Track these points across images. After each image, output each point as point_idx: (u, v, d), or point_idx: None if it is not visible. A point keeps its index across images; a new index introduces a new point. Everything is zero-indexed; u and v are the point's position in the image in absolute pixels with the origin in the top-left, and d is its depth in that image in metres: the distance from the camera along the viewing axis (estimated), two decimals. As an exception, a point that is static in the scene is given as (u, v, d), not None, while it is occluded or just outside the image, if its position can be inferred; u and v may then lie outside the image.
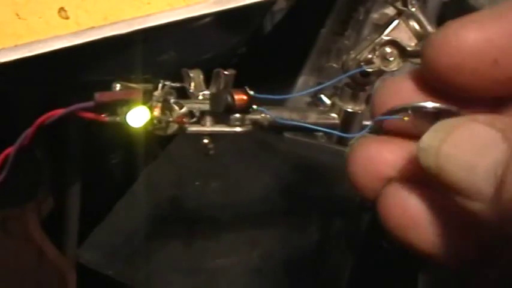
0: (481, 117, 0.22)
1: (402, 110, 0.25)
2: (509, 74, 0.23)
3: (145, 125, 0.31)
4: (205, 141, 0.36)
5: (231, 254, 0.54)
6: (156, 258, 0.54)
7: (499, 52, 0.23)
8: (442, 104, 0.24)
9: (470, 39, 0.23)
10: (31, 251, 0.72)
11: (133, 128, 0.31)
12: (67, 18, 0.47)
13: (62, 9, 0.48)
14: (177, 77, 0.37)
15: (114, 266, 0.53)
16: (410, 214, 0.25)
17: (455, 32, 0.23)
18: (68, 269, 0.74)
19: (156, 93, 0.31)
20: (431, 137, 0.23)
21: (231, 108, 0.34)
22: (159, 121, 0.32)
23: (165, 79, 0.34)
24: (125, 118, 0.31)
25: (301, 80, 0.66)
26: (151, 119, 0.31)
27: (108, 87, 0.33)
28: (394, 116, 0.25)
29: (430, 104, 0.24)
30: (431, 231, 0.24)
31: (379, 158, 0.26)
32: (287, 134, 0.60)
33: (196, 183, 0.59)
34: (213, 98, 0.35)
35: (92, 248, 0.55)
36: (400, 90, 0.26)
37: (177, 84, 0.33)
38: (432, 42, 0.24)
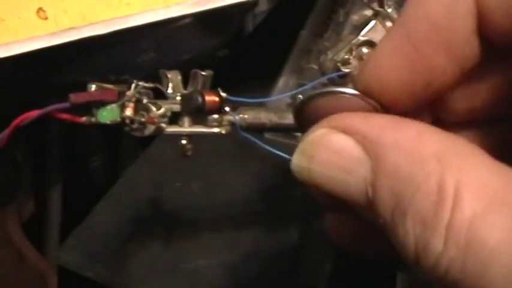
0: (340, 122, 0.23)
1: (322, 94, 0.25)
2: (445, 80, 0.23)
3: (120, 124, 0.31)
4: (184, 142, 0.36)
5: (211, 255, 0.53)
6: (136, 259, 0.53)
7: (428, 75, 0.23)
8: (360, 94, 0.24)
9: (399, 76, 0.23)
10: (11, 253, 0.71)
11: (106, 127, 0.31)
12: (45, 18, 0.47)
13: (40, 9, 0.47)
14: (157, 78, 0.37)
15: (93, 267, 0.53)
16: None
17: (382, 72, 0.23)
18: (49, 272, 0.73)
19: (129, 93, 0.31)
20: (300, 158, 0.24)
21: (202, 110, 0.34)
22: (132, 121, 0.31)
23: (144, 80, 0.34)
24: (96, 118, 0.31)
25: (281, 81, 0.66)
26: (123, 119, 0.31)
27: (86, 88, 0.33)
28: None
29: (350, 91, 0.24)
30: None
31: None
32: (267, 135, 0.60)
33: (177, 184, 0.59)
34: (184, 99, 0.35)
35: (71, 250, 0.55)
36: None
37: (150, 85, 0.33)
38: (362, 77, 0.24)
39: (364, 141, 0.22)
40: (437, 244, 0.19)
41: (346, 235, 0.28)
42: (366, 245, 0.27)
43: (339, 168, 0.22)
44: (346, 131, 0.22)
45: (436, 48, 0.23)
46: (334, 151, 0.23)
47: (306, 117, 0.26)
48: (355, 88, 0.24)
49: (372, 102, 0.24)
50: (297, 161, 0.24)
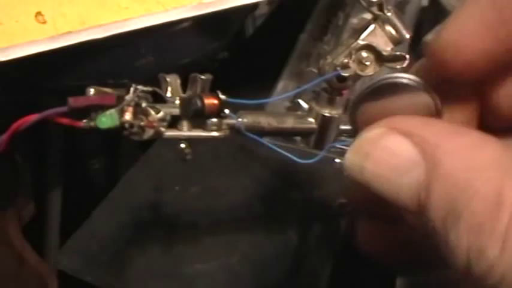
0: (400, 124, 0.23)
1: (386, 81, 0.24)
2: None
3: (118, 129, 0.31)
4: (182, 146, 0.36)
5: (210, 259, 0.53)
6: (135, 263, 0.53)
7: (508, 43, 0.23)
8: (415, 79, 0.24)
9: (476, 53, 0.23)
10: (11, 257, 0.71)
11: (105, 130, 0.31)
12: (44, 22, 0.47)
13: (39, 13, 0.47)
14: (156, 81, 0.37)
15: (93, 271, 0.53)
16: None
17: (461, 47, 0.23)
18: (49, 275, 0.73)
19: (127, 97, 0.31)
20: (354, 155, 0.24)
21: (201, 113, 0.34)
22: (131, 125, 0.31)
23: (143, 84, 0.34)
24: (95, 123, 0.31)
25: (280, 85, 0.67)
26: (122, 123, 0.31)
27: (85, 91, 0.33)
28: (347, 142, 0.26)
29: (414, 78, 0.24)
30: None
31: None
32: (266, 139, 0.60)
33: (176, 188, 0.59)
34: (183, 103, 0.35)
35: (70, 254, 0.54)
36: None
37: (149, 89, 0.33)
38: (440, 39, 0.24)
39: (422, 144, 0.22)
40: (493, 249, 0.19)
41: (377, 244, 0.28)
42: (394, 254, 0.27)
43: (393, 169, 0.22)
44: (405, 133, 0.22)
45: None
46: (391, 151, 0.22)
47: (361, 114, 0.25)
48: (430, 51, 0.24)
49: (433, 95, 0.24)
50: (351, 157, 0.24)
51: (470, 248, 0.20)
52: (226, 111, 0.35)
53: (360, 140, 0.24)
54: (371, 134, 0.23)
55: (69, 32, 0.47)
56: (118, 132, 0.32)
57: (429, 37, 0.28)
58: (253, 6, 0.62)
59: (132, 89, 0.32)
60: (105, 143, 0.83)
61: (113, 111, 0.31)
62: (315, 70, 0.65)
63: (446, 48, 0.24)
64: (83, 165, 0.84)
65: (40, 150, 0.78)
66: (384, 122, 0.23)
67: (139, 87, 0.32)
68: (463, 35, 0.23)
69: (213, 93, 0.34)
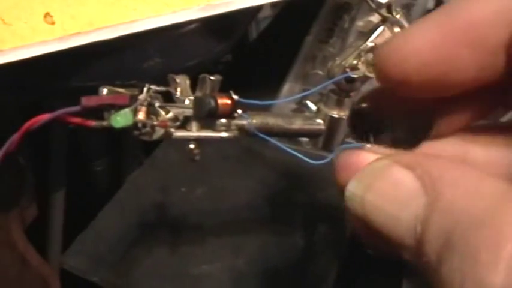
0: (404, 158, 0.23)
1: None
2: (459, 81, 0.23)
3: (130, 128, 0.31)
4: (192, 146, 0.36)
5: (216, 260, 0.53)
6: (141, 264, 0.53)
7: (447, 66, 0.23)
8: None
9: (418, 58, 0.23)
10: (14, 258, 0.72)
11: (118, 130, 0.31)
12: (53, 23, 0.47)
13: (47, 14, 0.47)
14: (163, 83, 0.37)
15: (99, 272, 0.53)
16: None
17: (402, 51, 0.24)
18: (52, 276, 0.73)
19: (141, 96, 0.31)
20: (356, 185, 0.23)
21: (214, 113, 0.34)
22: (144, 125, 0.31)
23: (156, 84, 0.34)
24: (109, 122, 0.31)
25: (286, 87, 0.67)
26: (135, 123, 0.31)
27: (92, 92, 0.33)
28: (354, 145, 0.26)
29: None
30: None
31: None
32: (272, 140, 0.60)
33: (182, 189, 0.59)
34: (197, 102, 0.35)
35: (76, 255, 0.55)
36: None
37: (162, 89, 0.33)
38: (382, 60, 0.24)
39: (424, 176, 0.21)
40: (494, 278, 0.18)
41: None
42: None
43: (394, 201, 0.22)
44: (408, 166, 0.22)
45: (460, 43, 0.22)
46: (392, 183, 0.22)
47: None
48: (376, 59, 0.24)
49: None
50: (352, 187, 0.23)
51: (465, 279, 0.19)
52: (239, 111, 0.35)
53: (363, 171, 0.23)
54: (374, 165, 0.23)
55: (78, 33, 0.47)
56: (129, 131, 0.32)
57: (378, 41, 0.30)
58: (258, 8, 0.62)
59: (145, 89, 0.32)
60: (107, 145, 0.83)
61: (127, 110, 0.31)
62: (320, 72, 0.65)
63: (390, 55, 0.24)
64: (86, 167, 0.84)
65: (43, 152, 0.79)
66: (388, 156, 0.24)
67: (153, 87, 0.32)
68: (409, 47, 0.24)
69: (225, 93, 0.34)
